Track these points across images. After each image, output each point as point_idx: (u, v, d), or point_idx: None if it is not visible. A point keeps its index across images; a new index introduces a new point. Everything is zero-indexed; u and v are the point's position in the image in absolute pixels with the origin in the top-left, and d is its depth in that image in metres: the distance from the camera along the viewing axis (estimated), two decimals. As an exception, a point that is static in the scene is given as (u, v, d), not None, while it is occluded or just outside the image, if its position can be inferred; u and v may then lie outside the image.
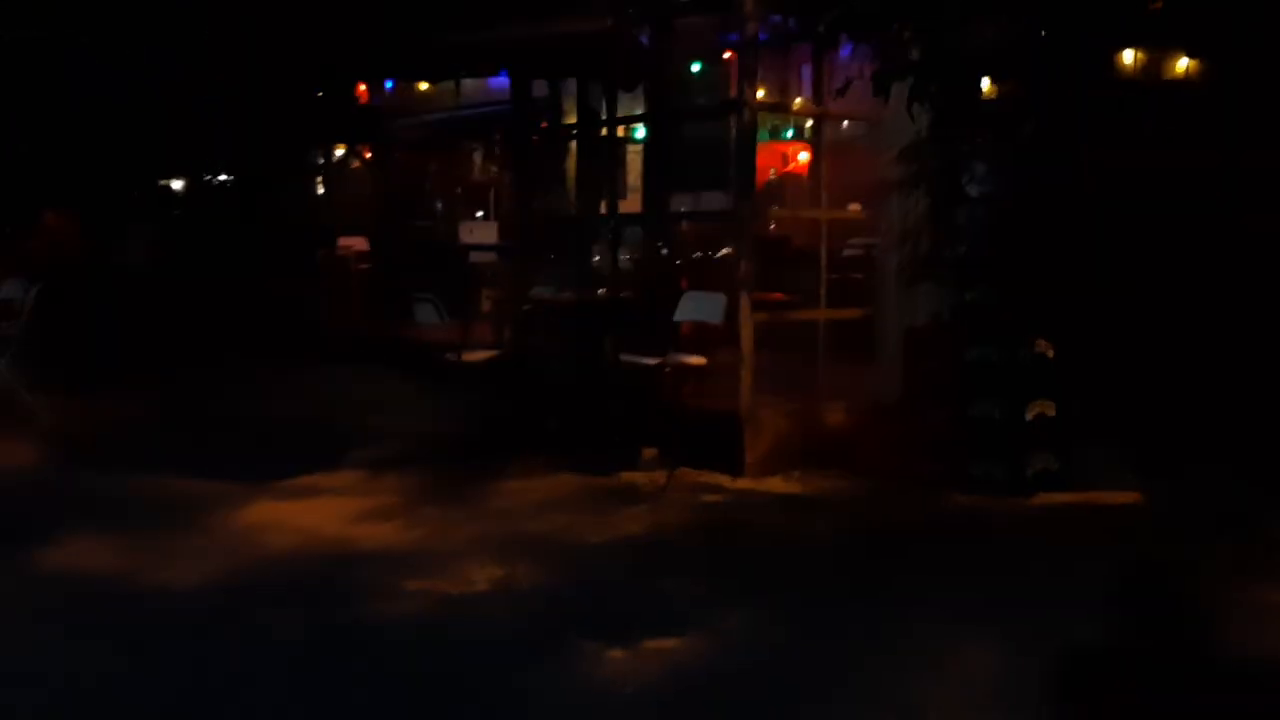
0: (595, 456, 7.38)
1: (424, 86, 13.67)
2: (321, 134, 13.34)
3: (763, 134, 12.71)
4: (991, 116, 7.25)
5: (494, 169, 16.58)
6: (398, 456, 7.56)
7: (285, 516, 6.29)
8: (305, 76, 11.54)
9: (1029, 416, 6.75)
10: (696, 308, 7.28)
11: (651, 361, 6.96)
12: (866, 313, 7.89)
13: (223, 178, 14.88)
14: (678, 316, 7.39)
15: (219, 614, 4.79)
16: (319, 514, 6.34)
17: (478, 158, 17.04)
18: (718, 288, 7.55)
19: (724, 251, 9.24)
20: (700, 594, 5.00)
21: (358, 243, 14.12)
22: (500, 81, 11.73)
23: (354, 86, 12.76)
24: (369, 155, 13.51)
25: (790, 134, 12.39)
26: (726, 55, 11.61)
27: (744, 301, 7.17)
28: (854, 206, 8.15)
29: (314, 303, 13.49)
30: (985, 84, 7.36)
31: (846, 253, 10.34)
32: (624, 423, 7.41)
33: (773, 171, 12.99)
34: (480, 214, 16.28)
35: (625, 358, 7.12)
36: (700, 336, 7.41)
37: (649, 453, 7.44)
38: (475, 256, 12.16)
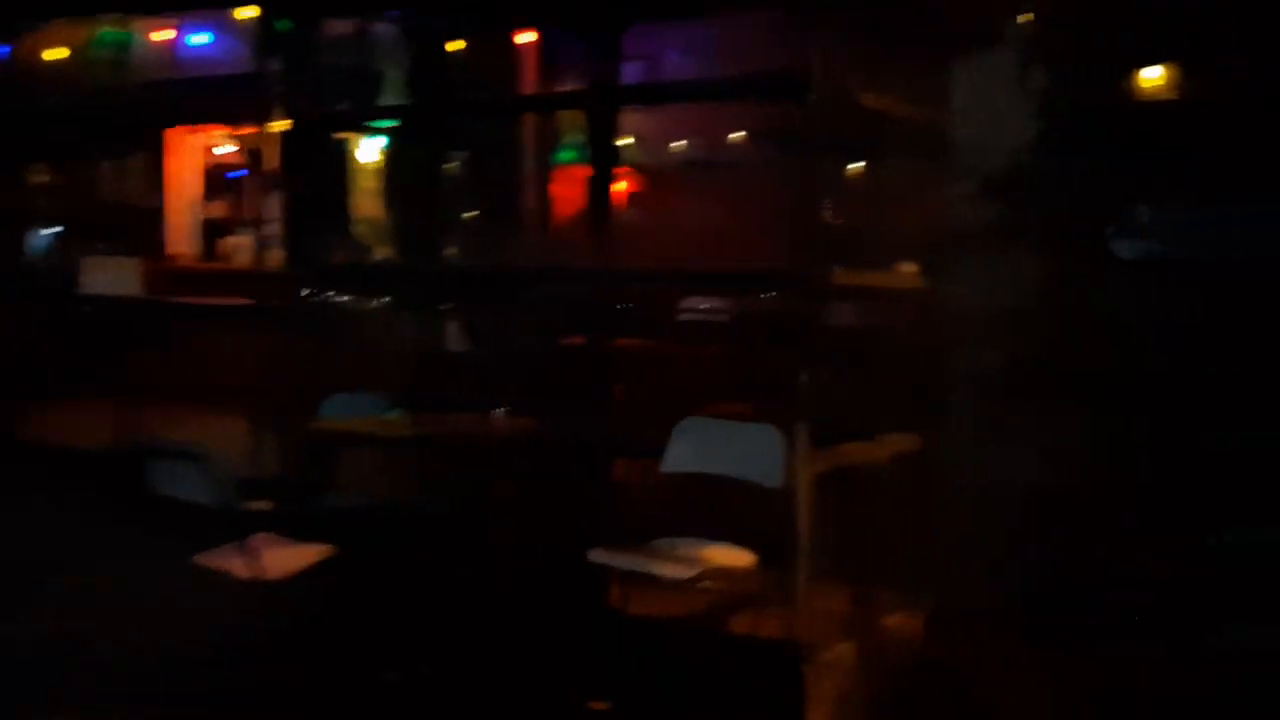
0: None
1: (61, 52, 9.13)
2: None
3: (568, 153, 9.39)
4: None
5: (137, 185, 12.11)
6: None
7: None
8: None
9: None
10: (713, 453, 3.87)
11: (675, 572, 3.49)
12: (924, 440, 4.78)
13: None
14: (672, 466, 3.94)
15: None
16: None
17: (108, 167, 12.47)
18: (693, 406, 4.23)
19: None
20: None
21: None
22: (203, 50, 7.67)
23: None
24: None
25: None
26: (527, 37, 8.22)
27: (802, 439, 3.86)
28: (907, 267, 5.06)
29: None
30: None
31: (685, 317, 7.29)
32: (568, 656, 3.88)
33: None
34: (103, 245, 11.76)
35: (602, 557, 3.60)
36: (717, 507, 4.03)
37: (597, 705, 3.98)
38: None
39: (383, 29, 5.14)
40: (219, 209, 10.38)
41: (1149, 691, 4.10)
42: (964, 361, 4.80)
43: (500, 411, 4.24)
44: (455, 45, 5.95)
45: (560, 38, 4.98)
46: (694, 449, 3.92)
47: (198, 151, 10.17)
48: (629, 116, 7.28)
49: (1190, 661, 4.14)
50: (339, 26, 5.14)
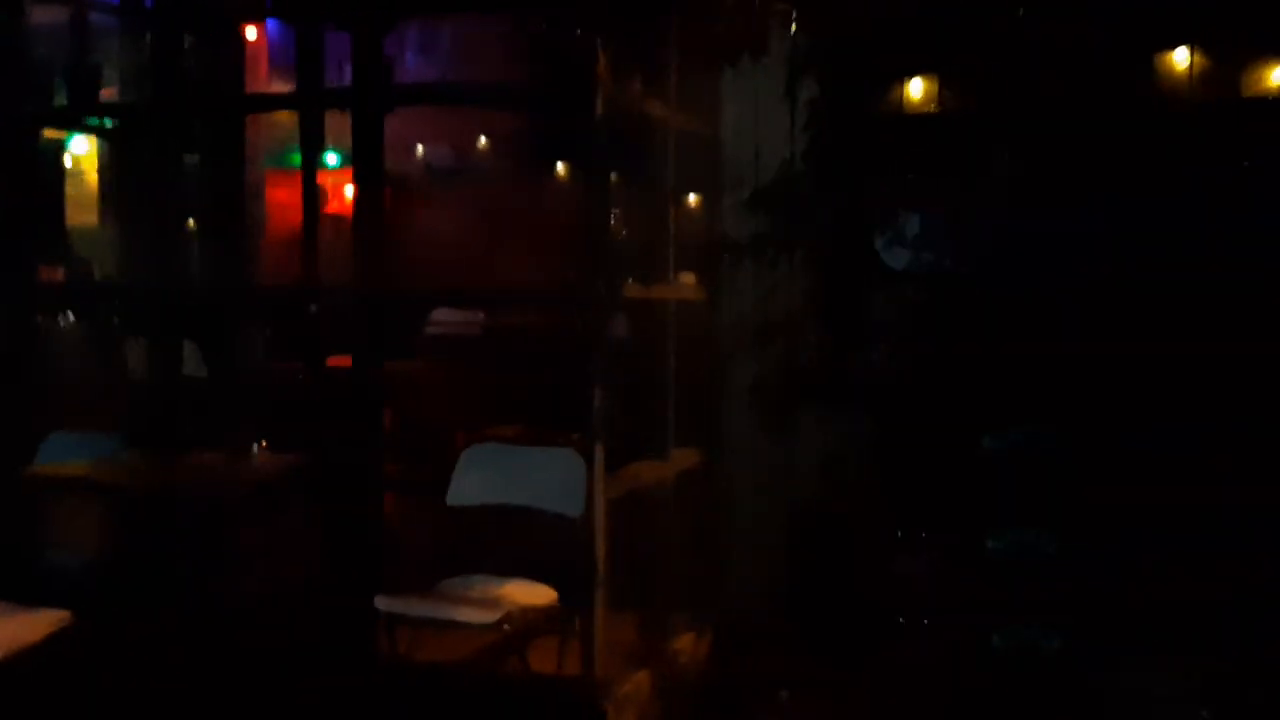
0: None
1: None
2: None
3: (291, 157, 8.80)
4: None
5: None
6: None
7: None
8: None
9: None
10: (504, 482, 3.60)
11: (477, 617, 3.19)
12: (705, 458, 4.68)
13: None
14: (459, 499, 3.65)
15: None
16: None
17: None
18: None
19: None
20: None
21: None
22: None
23: None
24: None
25: (338, 160, 8.60)
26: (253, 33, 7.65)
27: (598, 464, 3.65)
28: (687, 277, 4.90)
29: None
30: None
31: (432, 330, 7.04)
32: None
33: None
34: None
35: (389, 605, 3.26)
36: (514, 538, 3.76)
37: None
38: None
39: (101, 19, 4.56)
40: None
41: (931, 695, 4.14)
42: (738, 373, 4.74)
43: (257, 447, 3.80)
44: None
45: (298, 34, 4.54)
46: (483, 479, 3.64)
47: None
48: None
49: (970, 662, 4.22)
50: (50, 14, 4.52)
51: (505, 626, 3.21)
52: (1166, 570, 4.13)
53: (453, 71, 8.58)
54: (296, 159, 9.02)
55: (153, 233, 4.30)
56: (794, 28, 4.63)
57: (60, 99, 4.51)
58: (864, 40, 4.54)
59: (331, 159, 8.93)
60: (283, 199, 8.77)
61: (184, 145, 4.85)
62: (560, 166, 8.21)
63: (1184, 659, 3.99)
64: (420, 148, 8.41)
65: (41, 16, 4.49)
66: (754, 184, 4.67)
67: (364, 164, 4.02)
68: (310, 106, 4.25)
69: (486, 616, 3.17)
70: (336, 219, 8.87)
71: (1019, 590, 4.27)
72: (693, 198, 4.99)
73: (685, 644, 4.37)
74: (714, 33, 4.63)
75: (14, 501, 3.91)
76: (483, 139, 8.30)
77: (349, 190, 8.88)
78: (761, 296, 4.68)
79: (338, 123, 7.69)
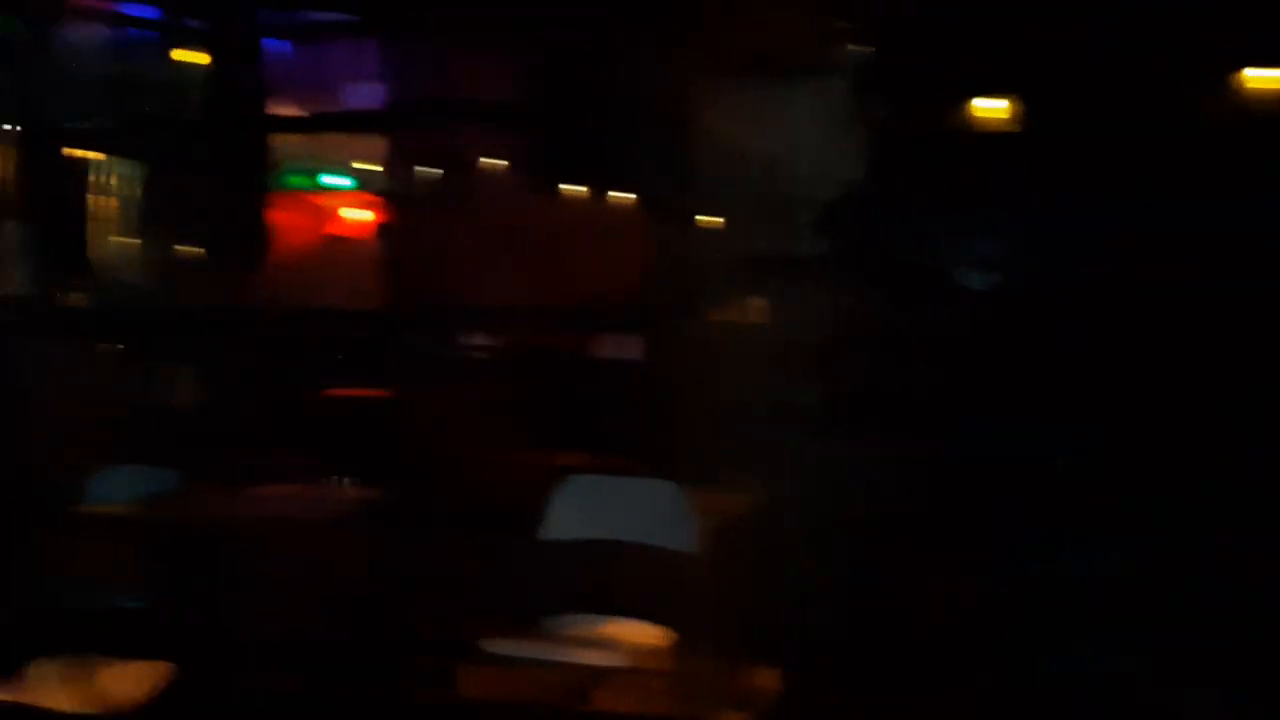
0: None
1: None
2: None
3: (300, 177, 8.56)
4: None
5: None
6: None
7: None
8: None
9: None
10: (605, 515, 3.46)
11: (603, 659, 3.05)
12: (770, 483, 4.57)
13: None
14: (558, 533, 3.50)
15: None
16: None
17: None
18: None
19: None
20: None
21: None
22: None
23: None
24: None
25: (349, 182, 8.38)
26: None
27: (700, 496, 3.53)
28: (746, 299, 4.78)
29: None
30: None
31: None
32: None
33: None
34: None
35: (502, 647, 3.10)
36: (619, 578, 3.60)
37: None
38: None
39: (138, 34, 4.35)
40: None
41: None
42: (795, 395, 4.67)
43: (342, 481, 3.62)
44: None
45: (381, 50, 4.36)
46: (582, 511, 3.49)
47: None
48: (362, 140, 6.80)
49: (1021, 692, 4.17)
50: (84, 30, 4.29)
51: (633, 670, 3.07)
52: (1226, 585, 4.13)
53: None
54: (295, 180, 8.82)
55: (207, 256, 4.10)
56: (854, 45, 4.59)
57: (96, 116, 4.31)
58: (926, 59, 4.51)
59: (330, 180, 8.72)
60: (280, 220, 8.55)
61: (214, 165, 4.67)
62: (564, 184, 8.08)
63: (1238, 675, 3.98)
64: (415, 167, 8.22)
65: (79, 31, 4.27)
66: (811, 204, 4.61)
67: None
68: (395, 123, 4.08)
69: (612, 659, 3.02)
70: (336, 240, 8.65)
71: (1091, 612, 4.25)
72: (745, 218, 4.90)
73: (768, 679, 4.26)
74: (773, 50, 4.56)
75: (71, 545, 3.68)
76: (482, 157, 8.14)
77: (346, 212, 8.68)
78: (817, 317, 4.60)
79: (339, 142, 7.50)
